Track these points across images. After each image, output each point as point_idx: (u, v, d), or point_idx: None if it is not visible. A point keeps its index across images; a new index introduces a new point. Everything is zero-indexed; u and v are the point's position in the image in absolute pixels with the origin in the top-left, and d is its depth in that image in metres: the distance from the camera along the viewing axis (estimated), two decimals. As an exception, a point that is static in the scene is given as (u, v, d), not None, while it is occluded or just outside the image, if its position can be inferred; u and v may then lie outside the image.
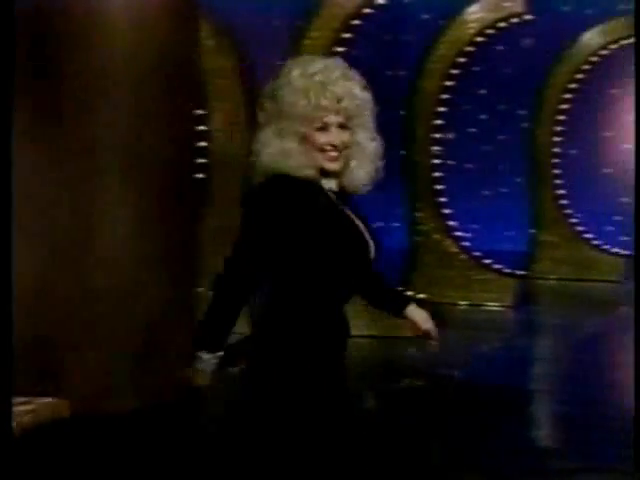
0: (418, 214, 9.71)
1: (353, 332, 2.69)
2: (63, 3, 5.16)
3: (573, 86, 10.98)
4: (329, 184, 2.61)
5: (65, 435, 4.90)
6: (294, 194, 2.53)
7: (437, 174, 9.59)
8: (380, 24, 8.71)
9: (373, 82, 2.69)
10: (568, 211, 11.27)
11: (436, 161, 9.55)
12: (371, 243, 2.62)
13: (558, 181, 11.19)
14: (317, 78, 2.56)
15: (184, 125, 5.57)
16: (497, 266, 9.58)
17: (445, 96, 9.45)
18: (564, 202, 11.23)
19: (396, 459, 4.75)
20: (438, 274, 9.42)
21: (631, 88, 12.90)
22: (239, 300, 2.52)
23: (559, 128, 11.09)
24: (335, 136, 2.57)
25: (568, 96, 11.00)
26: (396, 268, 9.04)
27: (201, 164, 7.52)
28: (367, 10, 7.53)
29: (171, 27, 5.29)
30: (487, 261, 9.55)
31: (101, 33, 5.18)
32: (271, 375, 2.54)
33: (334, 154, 2.58)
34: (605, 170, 13.15)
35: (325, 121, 2.57)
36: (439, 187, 9.58)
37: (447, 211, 9.64)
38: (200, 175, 7.53)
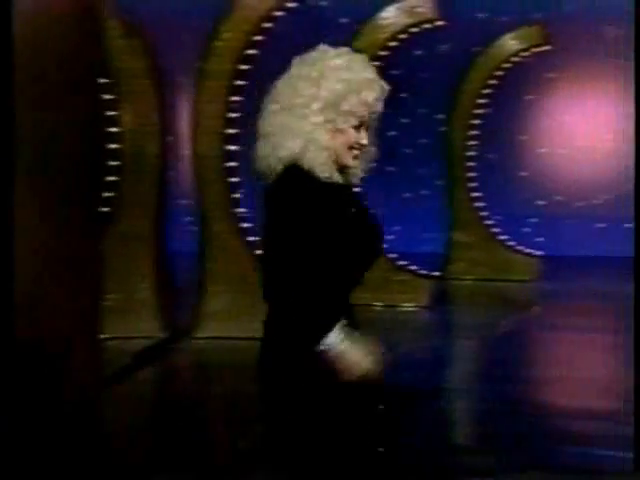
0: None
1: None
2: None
3: (487, 91, 11.13)
4: (338, 178, 2.55)
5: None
6: (327, 195, 2.45)
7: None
8: (294, 27, 8.74)
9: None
10: (484, 213, 11.43)
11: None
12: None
13: (473, 184, 11.31)
14: (364, 74, 2.50)
15: (91, 126, 5.51)
16: (413, 267, 9.68)
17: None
18: (480, 204, 11.36)
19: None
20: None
21: (546, 94, 13.23)
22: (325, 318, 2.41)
23: (474, 132, 11.23)
24: (365, 135, 2.54)
25: (482, 101, 11.15)
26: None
27: (112, 166, 7.46)
28: (279, 13, 7.53)
29: (75, 23, 5.23)
30: (403, 262, 9.64)
31: None
32: (285, 374, 2.49)
33: (358, 152, 2.54)
34: (521, 173, 13.41)
35: (363, 119, 2.53)
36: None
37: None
38: (112, 178, 7.48)
